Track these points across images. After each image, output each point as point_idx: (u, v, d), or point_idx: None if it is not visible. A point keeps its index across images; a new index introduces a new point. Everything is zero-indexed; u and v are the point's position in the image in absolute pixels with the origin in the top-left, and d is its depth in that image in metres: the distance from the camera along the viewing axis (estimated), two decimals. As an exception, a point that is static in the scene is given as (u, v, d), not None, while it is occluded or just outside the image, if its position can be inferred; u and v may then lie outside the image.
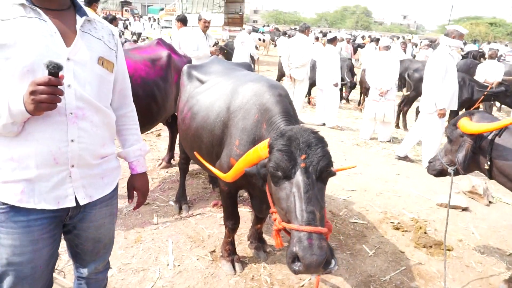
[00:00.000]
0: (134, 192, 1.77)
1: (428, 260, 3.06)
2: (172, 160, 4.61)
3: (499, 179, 2.45)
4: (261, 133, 2.10)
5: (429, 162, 2.93)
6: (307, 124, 7.31)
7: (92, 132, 1.40)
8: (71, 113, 1.32)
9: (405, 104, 7.83)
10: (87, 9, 1.49)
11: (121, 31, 19.90)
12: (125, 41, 8.08)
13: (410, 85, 7.75)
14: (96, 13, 5.74)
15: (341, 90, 10.00)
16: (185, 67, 3.09)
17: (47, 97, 1.17)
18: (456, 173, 2.62)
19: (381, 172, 4.90)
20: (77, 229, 1.52)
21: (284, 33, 11.95)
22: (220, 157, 2.36)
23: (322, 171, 1.56)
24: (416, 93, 7.52)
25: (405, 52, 12.28)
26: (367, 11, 73.89)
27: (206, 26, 5.99)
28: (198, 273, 2.69)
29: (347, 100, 10.15)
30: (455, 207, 3.94)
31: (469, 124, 2.42)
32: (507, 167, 2.32)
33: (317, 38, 13.07)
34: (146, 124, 3.71)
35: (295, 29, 18.30)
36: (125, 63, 1.62)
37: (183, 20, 6.43)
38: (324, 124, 7.33)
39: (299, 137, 1.59)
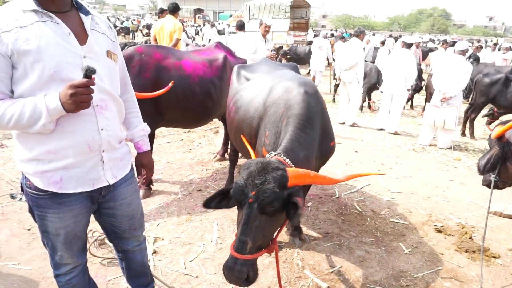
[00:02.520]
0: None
1: (468, 264, 2.99)
2: (226, 154, 4.99)
3: None
4: (281, 128, 2.30)
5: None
6: (364, 128, 7.29)
7: (114, 119, 1.60)
8: (97, 105, 1.49)
9: (472, 111, 7.37)
10: (91, 10, 1.58)
11: (193, 36, 21.21)
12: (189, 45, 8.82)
13: (477, 91, 7.25)
14: (177, 19, 6.44)
15: (412, 97, 9.73)
16: (235, 67, 3.42)
17: (85, 97, 1.34)
18: (502, 185, 2.59)
19: (432, 177, 4.77)
20: (111, 209, 1.73)
21: (342, 37, 11.86)
22: (255, 147, 2.62)
23: (265, 207, 1.73)
24: (486, 99, 7.06)
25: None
26: (445, 13, 68.95)
27: (266, 30, 6.31)
28: (237, 252, 2.98)
29: (412, 106, 9.80)
30: (510, 217, 3.74)
31: (497, 129, 2.40)
32: None
33: (382, 43, 12.75)
34: (202, 118, 4.14)
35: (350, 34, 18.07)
36: (121, 52, 1.74)
37: (239, 26, 7.05)
38: (382, 129, 7.20)
39: (256, 174, 1.76)
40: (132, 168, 1.82)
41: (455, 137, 6.91)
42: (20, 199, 3.56)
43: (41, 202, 1.52)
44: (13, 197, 3.59)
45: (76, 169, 1.50)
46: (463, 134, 7.32)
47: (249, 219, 1.73)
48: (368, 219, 3.61)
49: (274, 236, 1.92)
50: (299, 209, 1.75)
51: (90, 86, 1.35)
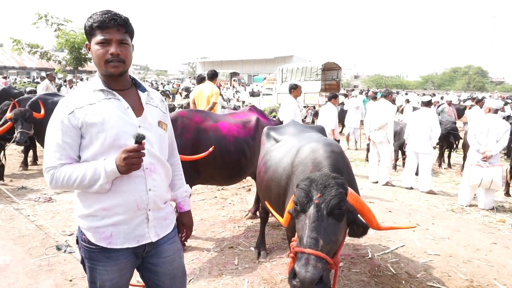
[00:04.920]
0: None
1: (516, 336, 2.77)
2: (257, 212, 5.07)
3: None
4: None
5: None
6: (398, 187, 7.17)
7: (161, 181, 1.76)
8: (147, 168, 1.67)
9: (516, 169, 7.08)
10: (147, 87, 1.81)
11: (228, 98, 22.42)
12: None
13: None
14: (215, 84, 6.98)
15: (442, 154, 9.58)
16: (265, 129, 3.67)
17: (136, 160, 1.53)
18: None
19: (472, 240, 4.55)
20: (154, 265, 1.80)
21: (374, 98, 12.14)
22: (285, 206, 2.72)
23: (333, 208, 1.80)
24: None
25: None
26: (481, 71, 68.30)
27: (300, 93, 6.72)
28: (266, 311, 2.95)
29: (449, 165, 9.54)
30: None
31: None
32: None
33: (407, 101, 12.86)
34: (236, 175, 4.36)
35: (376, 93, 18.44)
36: (170, 122, 1.94)
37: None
38: (411, 188, 7.05)
39: (318, 180, 1.89)
40: (175, 227, 1.92)
41: (497, 197, 6.61)
42: (65, 250, 3.80)
43: (93, 255, 1.68)
44: (58, 248, 3.84)
45: (124, 226, 1.65)
46: (507, 194, 6.97)
47: (318, 218, 1.78)
48: (403, 282, 3.48)
49: (337, 249, 1.92)
50: (367, 230, 1.88)
51: (141, 151, 1.54)
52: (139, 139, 1.52)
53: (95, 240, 1.65)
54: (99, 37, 1.59)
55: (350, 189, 1.97)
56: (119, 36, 1.61)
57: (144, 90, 1.79)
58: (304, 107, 14.69)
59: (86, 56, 17.75)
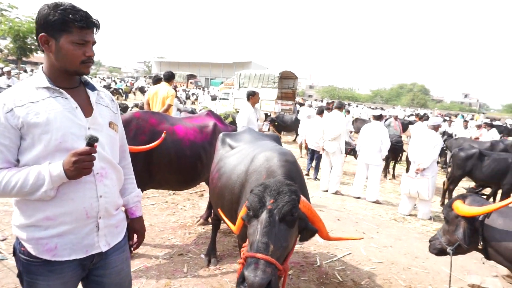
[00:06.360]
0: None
1: None
2: (209, 218, 5.01)
3: (495, 259, 2.54)
4: None
5: (430, 241, 3.04)
6: (346, 196, 7.47)
7: (113, 187, 1.65)
8: (98, 173, 1.56)
9: (451, 182, 7.68)
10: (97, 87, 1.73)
11: (184, 100, 22.05)
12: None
13: (454, 164, 7.62)
14: (172, 87, 6.82)
15: (387, 165, 10.14)
16: (220, 134, 3.64)
17: (87, 164, 1.43)
18: (455, 252, 2.71)
19: (412, 248, 4.84)
20: (100, 277, 1.69)
21: (327, 108, 12.57)
22: (237, 213, 2.71)
23: (285, 214, 1.82)
24: (462, 172, 7.40)
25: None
26: (424, 89, 73.66)
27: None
28: (215, 320, 2.91)
29: (393, 176, 10.13)
30: (488, 291, 3.78)
31: (462, 207, 2.59)
32: (499, 247, 2.43)
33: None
34: (191, 180, 4.28)
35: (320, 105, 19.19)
36: (121, 122, 1.85)
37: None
38: (359, 198, 7.39)
39: (272, 186, 1.91)
40: (125, 236, 1.83)
41: (435, 207, 7.12)
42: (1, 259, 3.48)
43: (32, 269, 1.52)
44: (-11, 256, 3.51)
45: (71, 236, 1.52)
46: (443, 205, 7.54)
47: (269, 224, 1.77)
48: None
49: (286, 255, 1.92)
50: (315, 234, 1.93)
51: (92, 154, 1.44)
52: (92, 141, 1.42)
53: (36, 252, 1.49)
54: (76, 37, 1.50)
55: (302, 197, 2.00)
56: (93, 38, 1.57)
57: (93, 88, 1.68)
58: (266, 115, 14.78)
59: (32, 47, 16.56)
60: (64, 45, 1.49)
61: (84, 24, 1.50)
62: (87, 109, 1.60)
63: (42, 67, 1.58)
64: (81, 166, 1.41)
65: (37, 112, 1.45)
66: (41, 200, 1.47)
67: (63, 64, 1.53)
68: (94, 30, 1.57)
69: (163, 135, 3.65)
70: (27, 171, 1.43)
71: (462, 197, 2.74)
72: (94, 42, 1.58)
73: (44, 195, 1.43)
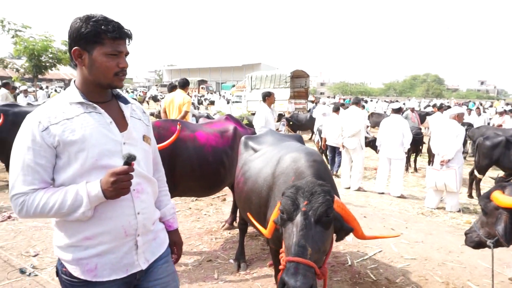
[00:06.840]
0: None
1: (494, 336, 2.85)
2: (234, 222, 4.99)
3: None
4: None
5: (466, 234, 2.91)
6: (370, 192, 7.33)
7: (149, 201, 1.62)
8: (134, 189, 1.50)
9: (478, 172, 7.43)
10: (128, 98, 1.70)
11: (197, 106, 22.19)
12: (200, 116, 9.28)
13: (479, 153, 7.39)
14: (187, 93, 6.84)
15: (408, 159, 9.93)
16: (243, 138, 3.60)
17: (126, 183, 1.38)
18: (496, 245, 2.58)
19: (444, 242, 4.70)
20: None
21: (342, 104, 12.40)
22: (266, 217, 2.66)
23: (321, 216, 1.77)
24: (489, 161, 7.16)
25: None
26: (438, 79, 72.12)
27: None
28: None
29: (415, 169, 9.91)
30: (529, 283, 3.63)
31: (502, 198, 2.45)
32: None
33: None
34: (215, 186, 4.26)
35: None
36: (153, 135, 1.81)
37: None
38: (383, 193, 7.24)
39: (305, 187, 1.86)
40: (168, 247, 1.77)
41: (462, 199, 6.91)
42: (30, 274, 3.52)
43: None
44: (22, 272, 3.56)
45: (111, 255, 1.49)
46: (470, 196, 7.31)
47: (305, 226, 1.73)
48: (384, 287, 3.51)
49: (324, 258, 1.87)
50: (351, 232, 1.89)
51: (130, 173, 1.39)
52: (130, 160, 1.37)
53: (77, 273, 1.47)
54: (109, 48, 1.46)
55: (336, 197, 1.95)
56: (126, 48, 1.54)
57: (126, 102, 1.64)
58: (280, 115, 14.75)
59: (47, 64, 16.91)
60: (98, 57, 1.46)
61: (116, 34, 1.47)
62: (121, 123, 1.56)
63: (74, 81, 1.55)
64: (119, 186, 1.37)
65: (72, 129, 1.41)
66: (79, 221, 1.43)
67: (96, 77, 1.50)
68: (127, 40, 1.54)
69: (178, 127, 3.63)
70: (65, 191, 1.39)
71: (501, 187, 2.61)
72: (127, 53, 1.55)
73: (82, 216, 1.40)
